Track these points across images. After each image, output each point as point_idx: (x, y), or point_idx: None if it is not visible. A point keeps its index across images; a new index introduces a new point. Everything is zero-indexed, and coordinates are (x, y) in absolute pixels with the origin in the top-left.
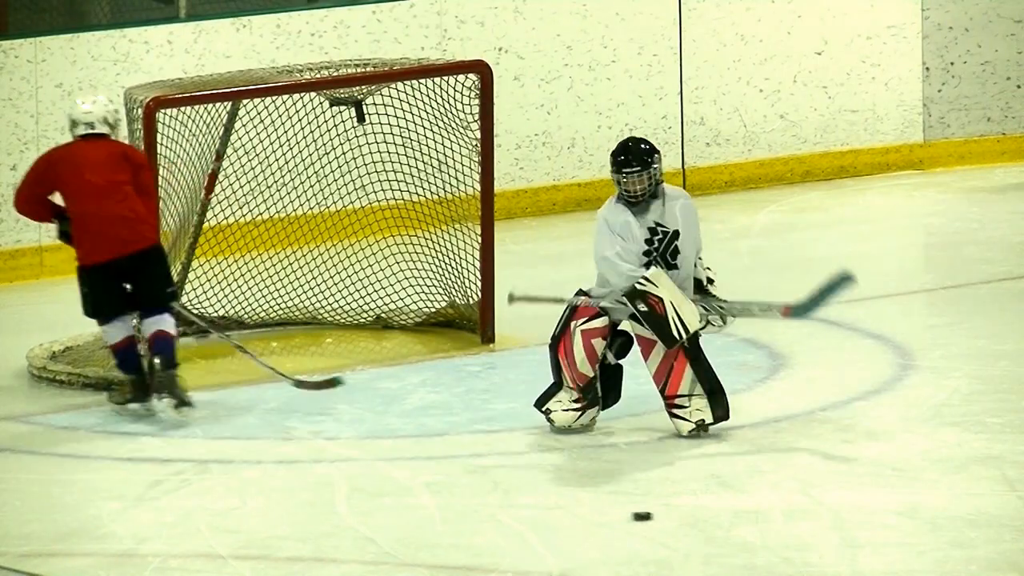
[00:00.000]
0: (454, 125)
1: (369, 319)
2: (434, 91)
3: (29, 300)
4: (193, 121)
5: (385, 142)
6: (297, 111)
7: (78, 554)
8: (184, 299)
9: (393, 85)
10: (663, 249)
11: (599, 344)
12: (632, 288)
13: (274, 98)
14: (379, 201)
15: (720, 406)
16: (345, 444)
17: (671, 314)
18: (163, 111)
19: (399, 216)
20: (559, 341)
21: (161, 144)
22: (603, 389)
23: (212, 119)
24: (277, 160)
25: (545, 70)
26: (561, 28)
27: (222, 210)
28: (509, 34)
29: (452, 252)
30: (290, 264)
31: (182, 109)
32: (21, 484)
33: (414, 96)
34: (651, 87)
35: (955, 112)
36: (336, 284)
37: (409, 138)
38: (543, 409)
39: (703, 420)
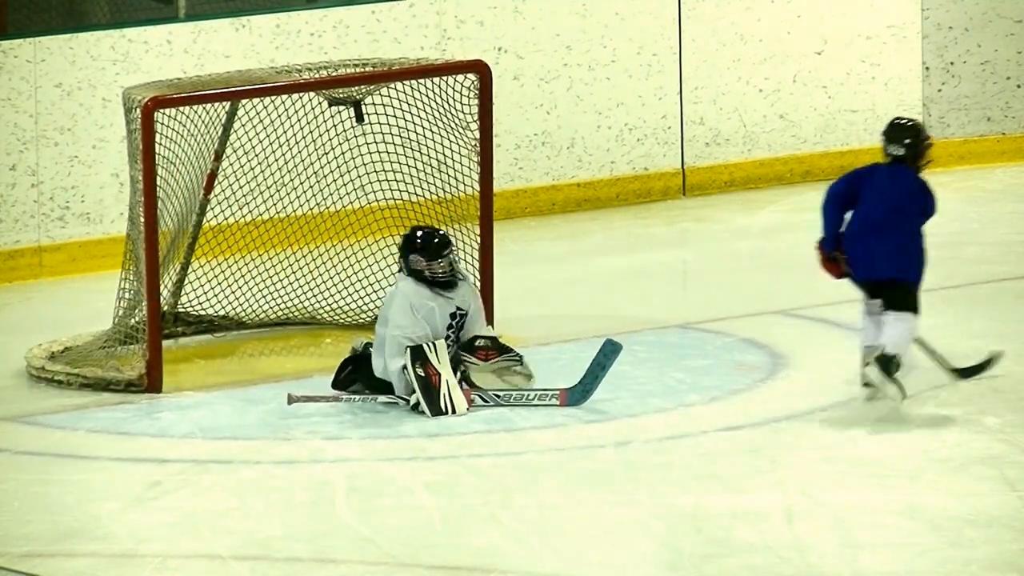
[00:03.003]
0: (453, 125)
1: (368, 319)
2: (433, 91)
3: (28, 300)
4: (192, 121)
5: (384, 142)
6: (296, 111)
7: (78, 554)
8: (184, 299)
9: (392, 85)
10: (459, 331)
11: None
12: (417, 349)
13: (273, 98)
14: (378, 201)
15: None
16: (345, 444)
17: (443, 390)
18: (162, 111)
19: (398, 216)
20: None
21: (160, 144)
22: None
23: (211, 119)
24: (276, 160)
25: (544, 70)
26: (561, 28)
27: (221, 210)
28: (508, 34)
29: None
30: (289, 264)
31: (181, 109)
32: (21, 484)
33: (413, 96)
34: (651, 87)
35: (955, 112)
36: (335, 284)
37: (408, 138)
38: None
39: None
